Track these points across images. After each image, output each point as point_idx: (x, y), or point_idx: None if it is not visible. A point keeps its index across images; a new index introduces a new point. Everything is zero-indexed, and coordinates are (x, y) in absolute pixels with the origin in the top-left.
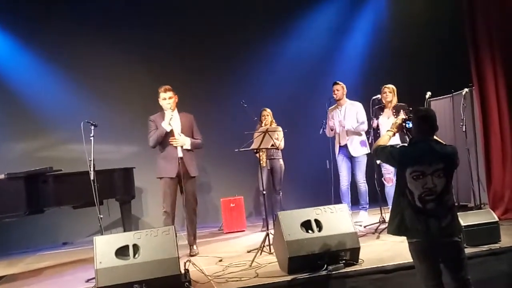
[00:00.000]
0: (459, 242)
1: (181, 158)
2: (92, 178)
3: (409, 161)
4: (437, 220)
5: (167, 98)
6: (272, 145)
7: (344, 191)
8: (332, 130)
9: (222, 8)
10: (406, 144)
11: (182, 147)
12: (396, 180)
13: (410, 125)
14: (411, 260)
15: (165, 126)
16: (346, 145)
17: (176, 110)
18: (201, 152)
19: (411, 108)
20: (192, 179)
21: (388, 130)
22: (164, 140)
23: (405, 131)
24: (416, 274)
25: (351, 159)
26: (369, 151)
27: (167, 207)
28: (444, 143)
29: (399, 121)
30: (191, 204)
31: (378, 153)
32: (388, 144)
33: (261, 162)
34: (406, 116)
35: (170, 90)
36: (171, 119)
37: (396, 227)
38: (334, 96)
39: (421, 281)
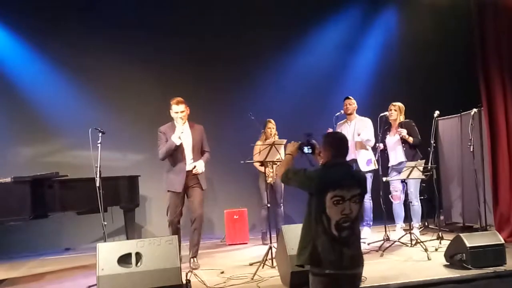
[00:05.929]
0: (361, 273)
1: (191, 171)
2: (97, 184)
3: (331, 185)
4: (348, 249)
5: (179, 112)
6: (278, 159)
7: None
8: None
9: (233, 22)
10: (316, 168)
11: (192, 159)
12: (309, 206)
13: (309, 150)
14: (415, 280)
15: (175, 140)
16: (352, 160)
17: (187, 123)
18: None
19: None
20: (201, 191)
21: (286, 154)
22: (173, 153)
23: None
24: None
25: None
26: (375, 168)
27: (170, 217)
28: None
29: (296, 145)
30: (198, 213)
31: (290, 177)
32: (301, 168)
33: (269, 178)
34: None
35: (182, 102)
36: (182, 133)
37: (309, 257)
38: (345, 110)
39: None
